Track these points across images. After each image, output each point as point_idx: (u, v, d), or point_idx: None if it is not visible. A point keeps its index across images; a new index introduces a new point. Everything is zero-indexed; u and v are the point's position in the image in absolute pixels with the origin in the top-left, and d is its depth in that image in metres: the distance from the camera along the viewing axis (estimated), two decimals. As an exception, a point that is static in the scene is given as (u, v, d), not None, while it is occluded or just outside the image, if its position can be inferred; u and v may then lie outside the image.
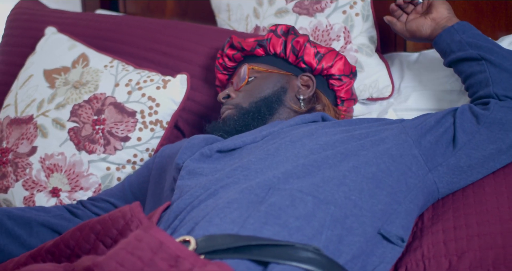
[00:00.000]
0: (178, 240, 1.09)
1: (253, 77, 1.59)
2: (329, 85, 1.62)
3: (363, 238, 1.20)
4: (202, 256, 1.06)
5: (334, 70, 1.59)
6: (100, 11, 2.27)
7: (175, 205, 1.23)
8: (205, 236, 1.09)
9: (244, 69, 1.60)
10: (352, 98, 1.66)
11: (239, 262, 1.04)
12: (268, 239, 1.09)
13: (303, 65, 1.60)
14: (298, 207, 1.17)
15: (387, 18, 1.70)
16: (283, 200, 1.17)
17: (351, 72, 1.62)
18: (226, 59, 1.67)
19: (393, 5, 1.69)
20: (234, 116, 1.52)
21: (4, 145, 1.71)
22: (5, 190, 1.67)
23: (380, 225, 1.23)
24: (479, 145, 1.38)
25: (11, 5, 2.22)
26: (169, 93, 1.67)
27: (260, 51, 1.61)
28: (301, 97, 1.56)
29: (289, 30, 1.61)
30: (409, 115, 1.70)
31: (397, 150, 1.34)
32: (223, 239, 1.07)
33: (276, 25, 1.63)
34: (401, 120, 1.46)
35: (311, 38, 1.76)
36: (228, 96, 1.59)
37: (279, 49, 1.60)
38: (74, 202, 1.63)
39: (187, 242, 1.08)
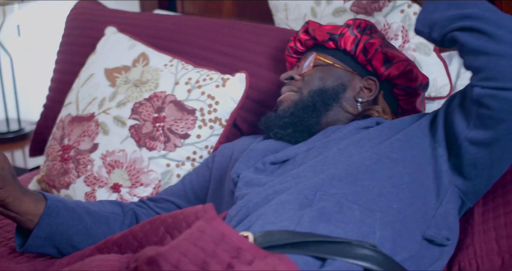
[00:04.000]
0: None
1: (317, 67, 1.57)
2: (393, 93, 1.58)
3: (413, 242, 1.20)
4: None
5: (400, 81, 1.56)
6: (158, 11, 2.31)
7: (231, 209, 1.25)
8: (263, 232, 1.09)
9: (311, 58, 1.58)
10: (416, 111, 1.61)
11: (296, 257, 1.04)
12: (325, 235, 1.09)
13: (370, 69, 1.57)
14: (347, 214, 1.17)
15: None
16: (332, 206, 1.18)
17: (419, 85, 1.57)
18: (298, 43, 1.65)
19: None
20: (290, 110, 1.51)
21: (66, 142, 1.74)
22: (66, 186, 1.71)
23: (424, 231, 1.23)
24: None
25: (70, 5, 2.27)
26: (228, 91, 1.68)
27: (331, 44, 1.58)
28: (360, 99, 1.53)
29: (366, 29, 1.57)
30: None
31: (423, 159, 1.31)
32: (281, 235, 1.08)
33: (354, 20, 1.58)
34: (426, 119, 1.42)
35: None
36: (292, 78, 1.58)
37: (349, 47, 1.56)
38: (135, 198, 1.65)
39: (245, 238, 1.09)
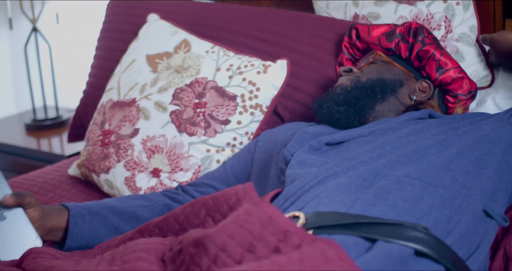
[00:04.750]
0: (287, 215, 1.10)
1: (376, 63, 1.60)
2: (444, 100, 1.62)
3: (471, 216, 1.20)
4: (311, 231, 1.06)
5: (451, 87, 1.60)
6: None
7: (286, 190, 1.24)
8: (315, 213, 1.09)
9: (372, 53, 1.63)
10: None
11: (347, 238, 1.04)
12: (377, 218, 1.09)
13: (424, 74, 1.61)
14: (406, 190, 1.17)
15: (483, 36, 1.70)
16: (391, 184, 1.18)
17: (469, 92, 1.61)
18: (355, 50, 1.70)
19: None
20: (347, 88, 1.53)
21: (107, 127, 1.75)
22: (107, 170, 1.72)
23: (486, 203, 1.24)
24: None
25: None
26: (269, 78, 1.68)
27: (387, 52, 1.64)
28: (415, 97, 1.56)
29: (418, 33, 1.61)
30: (507, 104, 1.69)
31: (495, 134, 1.35)
32: (332, 216, 1.08)
33: (405, 25, 1.62)
34: (498, 113, 1.47)
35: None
36: (350, 70, 1.59)
37: (404, 54, 1.62)
38: (174, 183, 1.66)
39: (296, 218, 1.09)
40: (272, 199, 1.27)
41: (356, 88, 1.52)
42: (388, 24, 1.66)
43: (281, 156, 1.42)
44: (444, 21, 1.75)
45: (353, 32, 1.69)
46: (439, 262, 1.06)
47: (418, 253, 1.06)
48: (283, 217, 0.99)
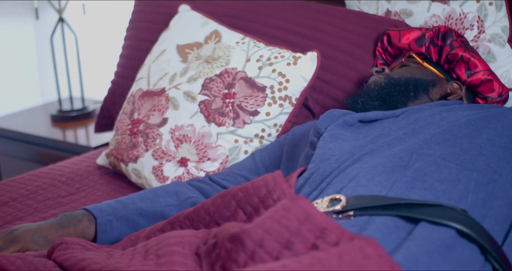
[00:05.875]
0: (328, 198, 1.11)
1: (409, 65, 1.63)
2: (474, 102, 1.63)
3: (504, 202, 1.19)
4: (351, 212, 1.07)
5: (480, 89, 1.62)
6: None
7: (322, 168, 1.24)
8: (356, 196, 1.10)
9: (404, 55, 1.65)
10: None
11: (387, 219, 1.04)
12: (417, 200, 1.09)
13: (454, 76, 1.63)
14: (443, 172, 1.17)
15: None
16: (428, 166, 1.18)
17: (499, 95, 1.62)
18: (387, 55, 1.72)
19: None
20: (381, 84, 1.55)
21: (136, 116, 1.75)
22: (135, 159, 1.71)
23: None
24: None
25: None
26: (299, 70, 1.66)
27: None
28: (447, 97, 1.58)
29: (446, 37, 1.63)
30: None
31: None
32: (373, 199, 1.08)
33: (434, 30, 1.65)
34: None
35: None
36: (383, 70, 1.61)
37: (435, 58, 1.64)
38: (201, 172, 1.65)
39: (337, 200, 1.10)
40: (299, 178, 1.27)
41: (390, 84, 1.54)
42: (420, 29, 1.68)
43: (313, 130, 1.43)
44: (477, 21, 1.74)
45: (385, 38, 1.71)
46: (477, 244, 1.05)
47: (460, 235, 1.05)
48: (320, 214, 0.98)
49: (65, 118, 2.66)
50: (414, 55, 1.64)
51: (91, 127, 2.55)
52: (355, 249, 0.90)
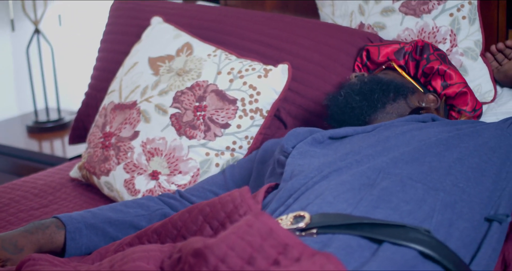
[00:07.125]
0: (292, 214, 1.11)
1: (389, 71, 1.66)
2: (449, 116, 1.65)
3: (471, 225, 1.19)
4: (314, 230, 1.07)
5: (455, 102, 1.64)
6: (201, 3, 2.30)
7: (290, 184, 1.24)
8: (320, 213, 1.10)
9: (386, 62, 1.68)
10: None
11: (350, 238, 1.04)
12: (380, 219, 1.09)
13: (430, 88, 1.65)
14: (409, 192, 1.17)
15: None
16: (394, 185, 1.18)
17: (473, 110, 1.64)
18: (366, 70, 1.73)
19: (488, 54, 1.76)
20: (364, 79, 1.57)
21: (108, 129, 1.74)
22: (107, 173, 1.71)
23: (487, 212, 1.23)
24: None
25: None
26: (270, 82, 1.67)
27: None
28: (424, 104, 1.59)
29: (424, 51, 1.65)
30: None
31: (495, 142, 1.35)
32: (337, 217, 1.08)
33: (412, 44, 1.67)
34: (498, 121, 1.49)
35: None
36: (363, 75, 1.62)
37: (413, 72, 1.67)
38: (173, 186, 1.65)
39: (301, 217, 1.10)
40: (267, 194, 1.28)
41: (373, 80, 1.56)
42: (398, 43, 1.70)
43: (279, 148, 1.42)
44: (450, 35, 1.75)
45: (364, 53, 1.72)
46: (441, 265, 1.06)
47: (423, 256, 1.05)
48: (283, 230, 0.98)
49: (41, 129, 2.65)
50: (395, 65, 1.65)
51: (67, 138, 2.53)
52: (315, 266, 0.91)
